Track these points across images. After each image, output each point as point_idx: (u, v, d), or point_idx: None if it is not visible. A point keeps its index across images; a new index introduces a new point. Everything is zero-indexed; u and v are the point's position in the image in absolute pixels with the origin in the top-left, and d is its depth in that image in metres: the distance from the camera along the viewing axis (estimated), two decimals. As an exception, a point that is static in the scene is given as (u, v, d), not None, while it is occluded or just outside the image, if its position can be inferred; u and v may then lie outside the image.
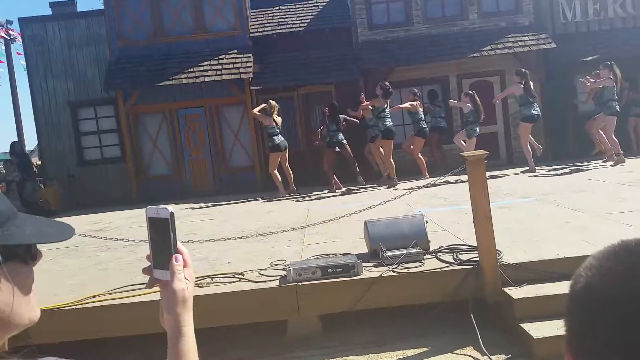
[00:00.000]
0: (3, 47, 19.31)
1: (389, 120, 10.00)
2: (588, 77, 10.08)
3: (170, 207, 0.99)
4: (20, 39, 14.29)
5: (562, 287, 4.00)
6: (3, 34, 18.89)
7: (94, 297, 4.37)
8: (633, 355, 0.61)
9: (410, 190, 6.08)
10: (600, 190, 7.29)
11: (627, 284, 0.64)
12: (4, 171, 11.62)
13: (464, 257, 4.52)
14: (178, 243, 1.00)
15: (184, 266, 1.01)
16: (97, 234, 5.98)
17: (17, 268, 0.81)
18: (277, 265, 4.89)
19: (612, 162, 9.83)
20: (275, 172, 10.21)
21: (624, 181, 7.83)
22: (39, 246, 0.85)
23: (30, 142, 25.42)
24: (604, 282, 0.66)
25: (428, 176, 9.94)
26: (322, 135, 10.65)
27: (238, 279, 4.59)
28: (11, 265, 0.79)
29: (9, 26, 18.88)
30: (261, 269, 4.78)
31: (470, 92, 10.69)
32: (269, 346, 4.27)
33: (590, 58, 11.79)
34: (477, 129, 10.34)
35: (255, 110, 10.32)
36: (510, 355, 3.64)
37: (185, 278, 1.01)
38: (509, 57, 12.29)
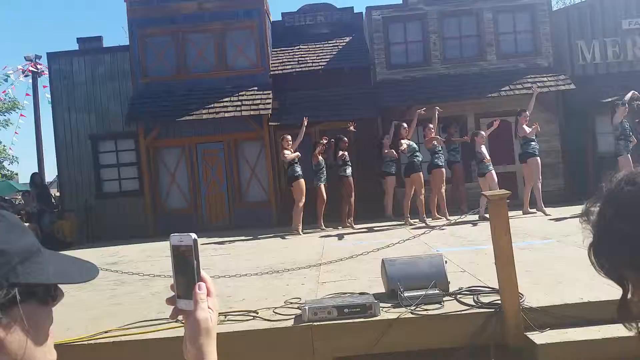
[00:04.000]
0: (30, 80, 19.93)
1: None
2: None
3: (194, 234, 0.97)
4: (47, 73, 14.69)
5: (586, 333, 3.86)
6: (31, 68, 19.50)
7: (106, 332, 4.32)
8: None
9: (430, 230, 6.01)
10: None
11: None
12: (23, 202, 11.76)
13: (485, 299, 4.39)
14: (202, 271, 0.98)
15: (208, 295, 0.98)
16: (112, 267, 5.96)
17: (35, 308, 0.77)
18: (291, 303, 4.80)
19: None
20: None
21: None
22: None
23: (51, 173, 25.91)
24: None
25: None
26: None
27: (252, 317, 4.50)
28: (29, 305, 0.76)
29: (37, 60, 19.52)
30: (275, 307, 4.69)
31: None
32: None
33: (609, 100, 11.73)
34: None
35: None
36: (533, 405, 3.48)
37: (209, 307, 0.98)
38: (528, 98, 12.27)
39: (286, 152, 9.94)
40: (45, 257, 0.79)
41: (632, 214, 0.80)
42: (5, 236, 0.75)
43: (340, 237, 9.33)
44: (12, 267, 0.73)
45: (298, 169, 9.98)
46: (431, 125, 10.42)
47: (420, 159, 10.08)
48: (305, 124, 10.30)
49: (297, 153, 10.01)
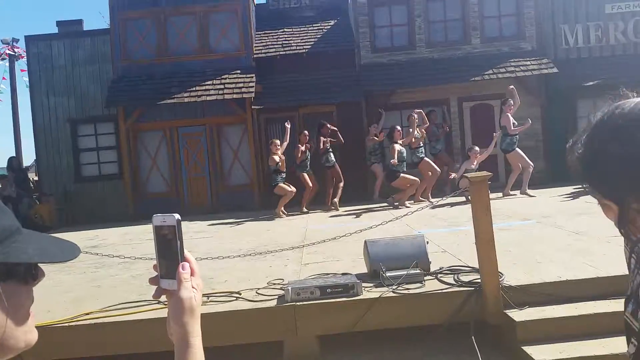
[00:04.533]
0: (7, 64, 19.52)
1: None
2: None
3: (177, 215, 0.96)
4: (25, 57, 14.36)
5: (564, 310, 3.93)
6: (8, 51, 19.09)
7: (87, 314, 4.29)
8: None
9: (411, 212, 6.04)
10: (600, 214, 7.19)
11: None
12: (0, 186, 11.55)
13: (465, 278, 4.44)
14: (185, 251, 0.97)
15: (191, 274, 0.98)
16: (92, 250, 5.91)
17: (15, 288, 0.76)
18: (274, 284, 4.81)
19: None
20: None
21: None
22: (42, 265, 0.80)
23: (29, 157, 25.51)
24: None
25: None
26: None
27: (235, 298, 4.51)
28: (9, 284, 0.74)
29: (14, 44, 19.10)
30: (258, 288, 4.70)
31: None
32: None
33: (591, 83, 11.84)
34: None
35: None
36: (512, 380, 3.54)
37: (193, 287, 0.97)
38: (511, 81, 12.32)
39: (275, 157, 9.97)
40: (25, 237, 0.78)
41: (627, 135, 0.81)
42: None
43: (324, 219, 9.35)
44: None
45: (279, 178, 10.07)
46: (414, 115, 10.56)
47: (403, 169, 10.07)
48: (289, 127, 10.46)
49: (282, 158, 10.03)
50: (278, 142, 10.16)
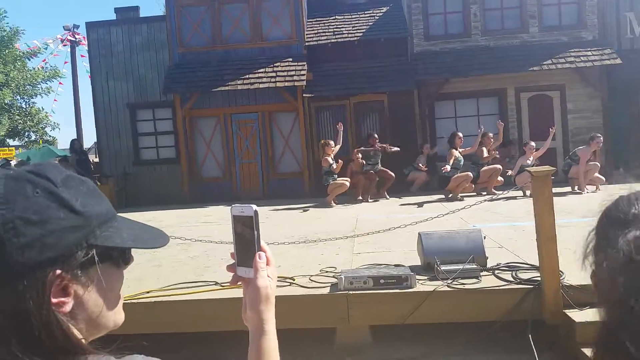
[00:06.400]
0: (69, 49, 20.30)
1: None
2: None
3: (254, 206, 0.98)
4: (85, 43, 14.86)
5: (630, 313, 3.79)
6: (69, 37, 19.84)
7: (148, 292, 4.45)
8: None
9: (467, 205, 5.94)
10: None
11: None
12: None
13: (523, 275, 4.35)
14: (261, 241, 0.99)
15: (267, 264, 1.00)
16: (152, 231, 6.11)
17: (110, 270, 0.80)
18: (327, 272, 4.85)
19: None
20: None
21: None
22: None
23: (89, 139, 26.55)
24: None
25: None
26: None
27: (289, 284, 4.58)
28: (105, 266, 0.79)
29: (75, 30, 19.83)
30: (311, 275, 4.75)
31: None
32: (316, 354, 4.22)
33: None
34: None
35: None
36: (571, 381, 3.46)
37: (268, 276, 1.00)
38: (571, 72, 11.89)
39: (329, 158, 10.03)
40: (120, 223, 0.82)
41: None
42: (86, 200, 0.78)
43: (374, 210, 9.33)
44: (91, 229, 0.76)
45: (330, 179, 10.11)
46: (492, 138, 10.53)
47: (454, 175, 9.90)
48: (341, 130, 10.49)
49: (340, 162, 10.03)
50: (332, 143, 10.19)
